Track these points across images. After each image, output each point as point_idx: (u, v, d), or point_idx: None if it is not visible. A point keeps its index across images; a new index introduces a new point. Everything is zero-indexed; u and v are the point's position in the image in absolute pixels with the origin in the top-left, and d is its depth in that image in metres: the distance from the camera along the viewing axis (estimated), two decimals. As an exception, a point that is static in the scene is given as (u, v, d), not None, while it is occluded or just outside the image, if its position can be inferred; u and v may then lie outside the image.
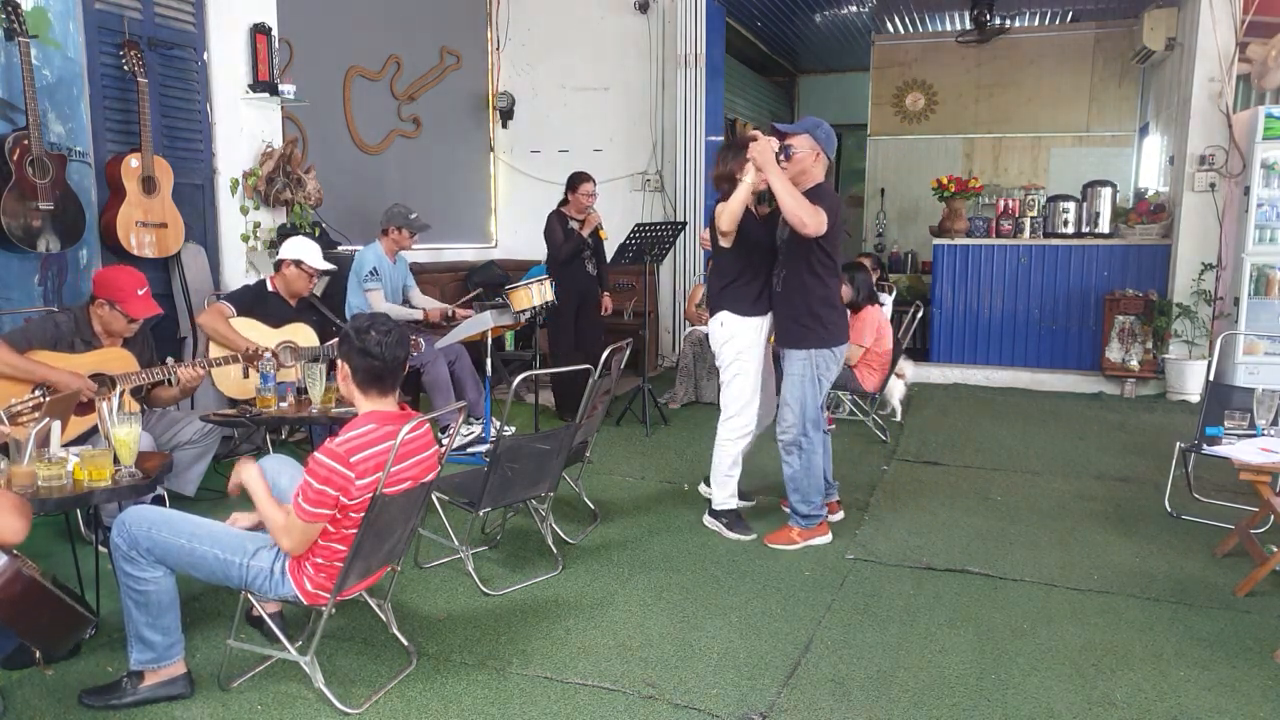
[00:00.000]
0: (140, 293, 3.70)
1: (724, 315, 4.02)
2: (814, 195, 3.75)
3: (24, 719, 2.57)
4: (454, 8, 7.98)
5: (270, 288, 4.62)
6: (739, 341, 4.00)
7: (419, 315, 5.55)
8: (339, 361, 2.68)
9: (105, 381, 3.60)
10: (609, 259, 6.16)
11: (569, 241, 5.88)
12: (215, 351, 4.27)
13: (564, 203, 6.02)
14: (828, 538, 4.01)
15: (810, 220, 3.64)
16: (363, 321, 2.66)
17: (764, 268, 4.00)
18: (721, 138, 8.73)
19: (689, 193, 8.07)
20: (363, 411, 2.64)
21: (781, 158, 3.75)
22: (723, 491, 4.13)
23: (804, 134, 3.84)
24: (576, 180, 5.96)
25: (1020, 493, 4.75)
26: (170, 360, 3.87)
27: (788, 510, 4.06)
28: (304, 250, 4.55)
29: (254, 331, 4.38)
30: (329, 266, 4.64)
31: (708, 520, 4.19)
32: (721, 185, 3.98)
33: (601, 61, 8.25)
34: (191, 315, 4.94)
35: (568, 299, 5.99)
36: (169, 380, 3.81)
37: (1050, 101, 9.64)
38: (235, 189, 5.36)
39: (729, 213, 3.85)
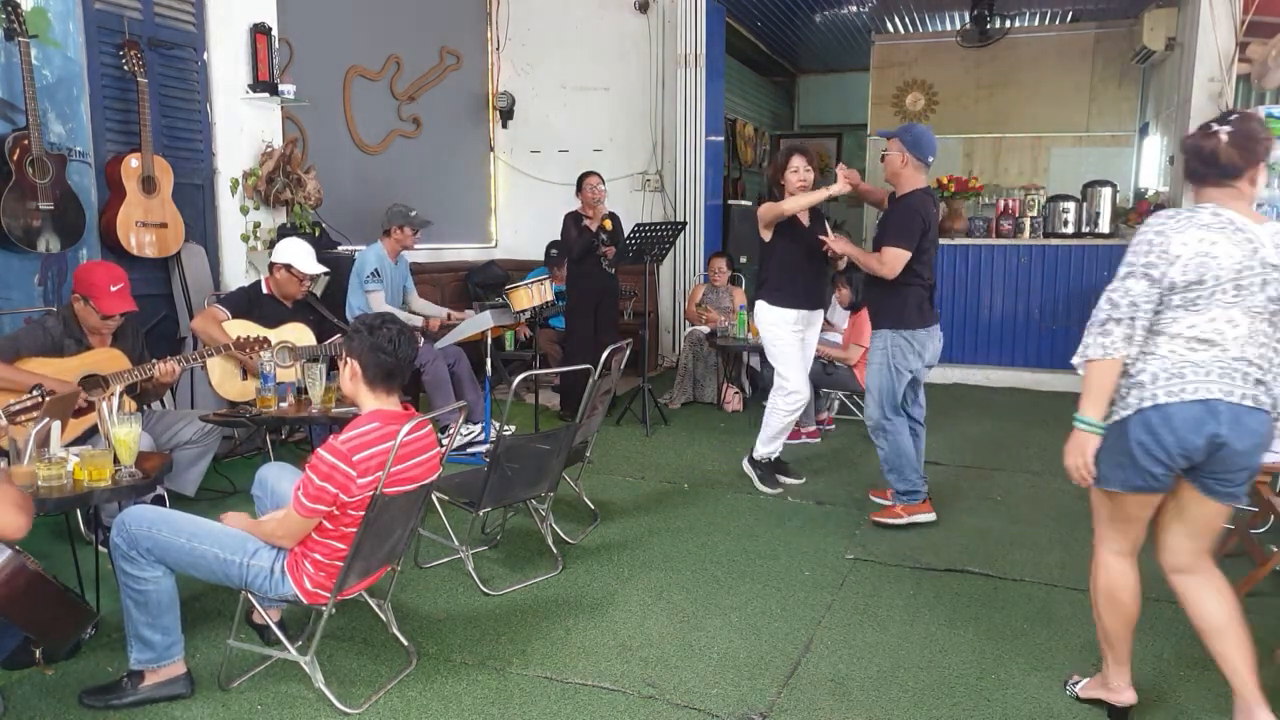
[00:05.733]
0: (114, 289, 3.60)
1: (758, 303, 4.58)
2: (901, 207, 4.05)
3: (24, 719, 2.57)
4: (454, 8, 7.98)
5: (265, 290, 4.61)
6: (766, 328, 4.58)
7: (419, 323, 5.53)
8: (347, 360, 2.65)
9: (99, 382, 3.59)
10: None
11: (581, 237, 5.94)
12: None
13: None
14: (931, 516, 4.25)
15: (879, 268, 4.03)
16: (373, 319, 2.66)
17: (799, 265, 4.47)
18: (721, 138, 8.74)
19: (689, 193, 8.07)
20: (367, 410, 2.64)
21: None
22: (765, 447, 4.69)
23: (894, 139, 4.08)
24: (582, 178, 6.09)
25: (1020, 493, 4.76)
26: (155, 362, 3.84)
27: (879, 501, 4.42)
28: (295, 254, 4.53)
29: (250, 334, 4.37)
30: (320, 270, 4.62)
31: (745, 465, 4.83)
32: (771, 188, 4.49)
33: (601, 61, 8.25)
34: (191, 315, 4.93)
35: (585, 297, 6.03)
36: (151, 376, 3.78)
37: (1050, 101, 9.62)
38: (235, 189, 5.36)
39: (772, 214, 4.39)
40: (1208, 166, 2.35)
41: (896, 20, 10.05)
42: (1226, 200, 2.35)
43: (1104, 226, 7.54)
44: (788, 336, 4.55)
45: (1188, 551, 2.44)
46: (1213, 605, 2.43)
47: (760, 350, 6.21)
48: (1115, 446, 2.37)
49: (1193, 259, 2.27)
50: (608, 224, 6.05)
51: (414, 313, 5.67)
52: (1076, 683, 2.73)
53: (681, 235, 7.48)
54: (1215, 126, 2.35)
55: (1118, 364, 2.33)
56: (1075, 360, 2.39)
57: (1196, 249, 2.27)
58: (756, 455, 4.74)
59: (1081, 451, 2.40)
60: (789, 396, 4.57)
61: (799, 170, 4.35)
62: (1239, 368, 2.27)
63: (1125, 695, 2.58)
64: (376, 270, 5.40)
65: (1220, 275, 2.26)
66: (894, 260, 3.98)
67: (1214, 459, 2.30)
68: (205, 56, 5.24)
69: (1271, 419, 2.32)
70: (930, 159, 4.05)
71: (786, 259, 4.49)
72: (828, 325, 6.14)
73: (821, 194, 4.30)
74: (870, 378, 4.23)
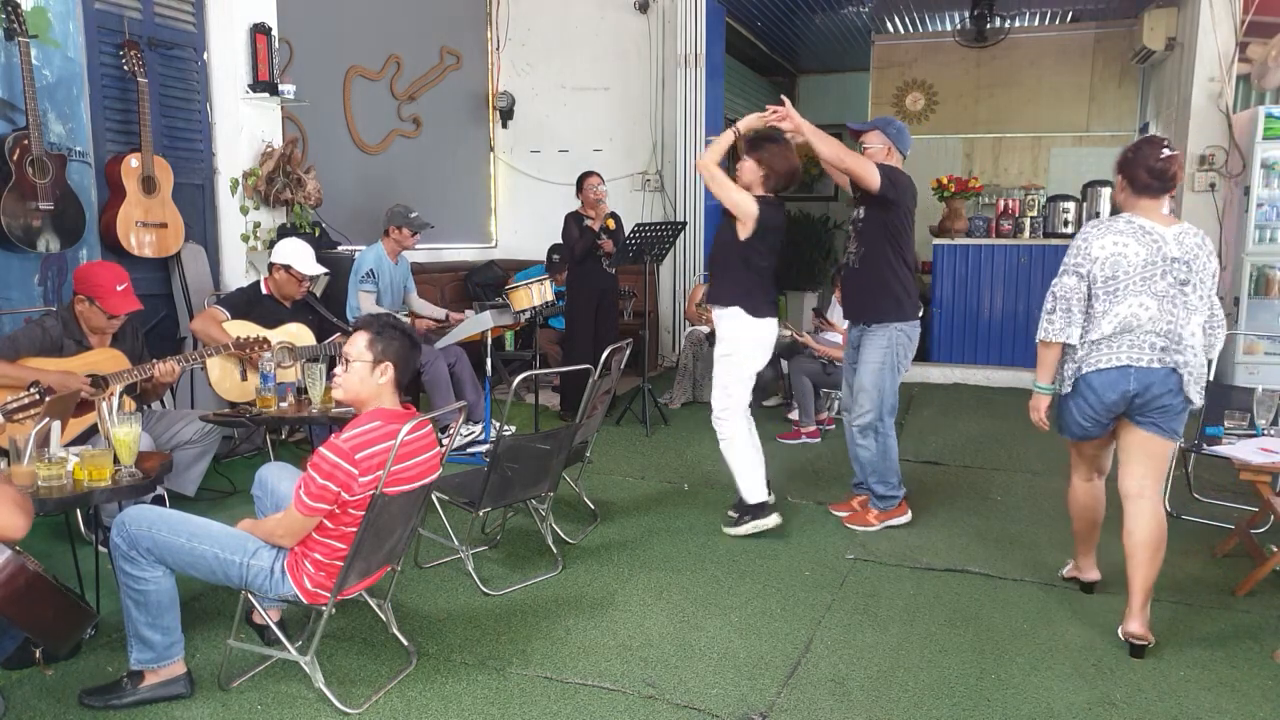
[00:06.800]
0: (119, 288, 3.60)
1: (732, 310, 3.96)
2: (894, 168, 3.95)
3: (24, 719, 2.57)
4: (454, 8, 7.98)
5: (265, 290, 4.61)
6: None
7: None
8: (380, 362, 2.62)
9: (99, 382, 3.59)
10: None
11: (583, 238, 5.95)
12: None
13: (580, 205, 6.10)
14: (907, 517, 4.18)
15: (849, 161, 3.82)
16: (389, 320, 2.70)
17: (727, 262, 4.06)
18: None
19: (689, 193, 8.07)
20: (369, 409, 2.64)
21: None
22: (745, 486, 4.08)
23: (875, 130, 4.06)
24: (582, 179, 6.09)
25: (1020, 493, 4.75)
26: (154, 362, 3.84)
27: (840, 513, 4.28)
28: (294, 255, 4.53)
29: (250, 334, 4.37)
30: (319, 271, 4.61)
31: (731, 530, 4.12)
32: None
33: (601, 61, 8.25)
34: (191, 315, 4.93)
35: (585, 298, 6.04)
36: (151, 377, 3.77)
37: (1050, 101, 9.63)
38: (235, 189, 5.36)
39: (707, 156, 4.08)
40: (1161, 182, 2.97)
41: (896, 20, 10.04)
42: (1151, 209, 3.00)
43: (1104, 226, 7.52)
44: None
45: (1137, 479, 3.07)
46: (1143, 526, 3.03)
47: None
48: (1065, 408, 3.16)
49: (1109, 258, 2.97)
50: (610, 224, 6.06)
51: (412, 313, 5.68)
52: (1064, 568, 3.53)
53: (681, 235, 7.48)
54: (1166, 151, 2.96)
55: (1058, 346, 3.07)
56: (1036, 339, 3.13)
57: (1112, 250, 2.97)
58: (748, 500, 4.08)
59: (1036, 408, 3.23)
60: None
61: (745, 170, 4.09)
62: (1148, 340, 2.95)
63: (1092, 574, 3.45)
64: (372, 271, 5.38)
65: (1129, 270, 2.95)
66: (870, 168, 3.80)
67: (1134, 406, 3.00)
68: (205, 56, 5.25)
69: (1179, 375, 2.95)
70: (908, 153, 4.13)
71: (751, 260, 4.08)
72: (828, 325, 6.14)
73: (727, 138, 4.14)
74: (868, 376, 4.00)
